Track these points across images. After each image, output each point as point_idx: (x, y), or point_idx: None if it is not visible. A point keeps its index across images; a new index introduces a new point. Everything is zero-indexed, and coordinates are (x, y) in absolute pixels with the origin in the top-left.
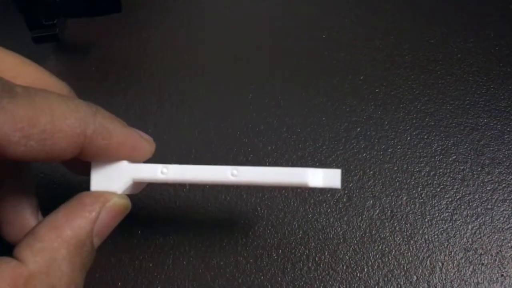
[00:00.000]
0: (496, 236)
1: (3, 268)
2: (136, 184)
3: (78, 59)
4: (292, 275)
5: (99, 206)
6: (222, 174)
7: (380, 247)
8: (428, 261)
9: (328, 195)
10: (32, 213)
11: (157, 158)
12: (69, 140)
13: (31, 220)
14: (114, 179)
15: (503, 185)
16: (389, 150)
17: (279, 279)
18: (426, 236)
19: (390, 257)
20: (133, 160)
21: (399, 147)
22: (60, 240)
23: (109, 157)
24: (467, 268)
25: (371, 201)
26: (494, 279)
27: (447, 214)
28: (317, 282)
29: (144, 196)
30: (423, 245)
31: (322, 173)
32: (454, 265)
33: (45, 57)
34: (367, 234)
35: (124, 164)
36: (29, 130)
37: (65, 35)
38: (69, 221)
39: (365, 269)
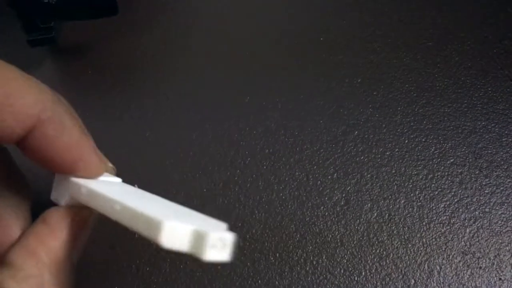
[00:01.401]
0: (494, 240)
1: None
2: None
3: (75, 62)
4: (290, 278)
5: (65, 225)
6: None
7: (378, 251)
8: (426, 265)
9: (326, 198)
10: (18, 227)
11: (155, 161)
12: (19, 120)
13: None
14: (64, 191)
15: (501, 188)
16: (387, 153)
17: (277, 282)
18: (424, 240)
19: (388, 261)
20: (77, 173)
21: (396, 150)
22: (40, 265)
23: (52, 155)
24: (465, 271)
25: (369, 204)
26: (492, 282)
27: (445, 217)
28: (315, 286)
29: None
30: (421, 248)
31: (190, 233)
32: (452, 268)
33: (42, 60)
34: (365, 238)
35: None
36: None
37: (61, 38)
38: (43, 245)
39: (363, 273)
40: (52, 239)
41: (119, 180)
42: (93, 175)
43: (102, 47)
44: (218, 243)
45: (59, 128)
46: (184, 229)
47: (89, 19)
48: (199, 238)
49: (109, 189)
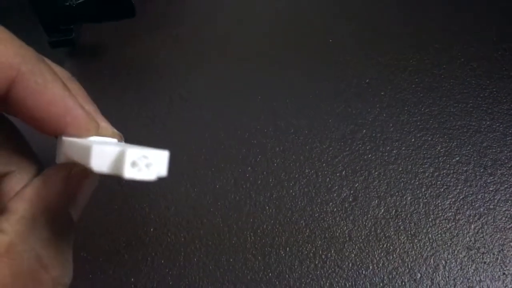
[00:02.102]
0: (498, 236)
1: None
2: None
3: (92, 62)
4: (300, 272)
5: (60, 177)
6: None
7: (385, 246)
8: (431, 259)
9: (334, 195)
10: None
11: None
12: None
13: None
14: (60, 151)
15: (505, 185)
16: (394, 151)
17: (287, 276)
18: (430, 235)
19: (394, 255)
20: (66, 130)
21: (403, 148)
22: (33, 209)
23: (36, 110)
24: (469, 266)
25: (376, 201)
26: (496, 277)
27: (450, 213)
28: (324, 279)
29: (156, 194)
30: (427, 243)
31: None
32: (457, 263)
33: (61, 61)
34: (372, 233)
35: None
36: None
37: (80, 39)
38: (38, 193)
39: (370, 267)
40: (46, 188)
41: (114, 140)
42: (82, 131)
43: (118, 48)
44: (140, 162)
45: (41, 81)
46: (111, 152)
47: (107, 21)
48: (121, 157)
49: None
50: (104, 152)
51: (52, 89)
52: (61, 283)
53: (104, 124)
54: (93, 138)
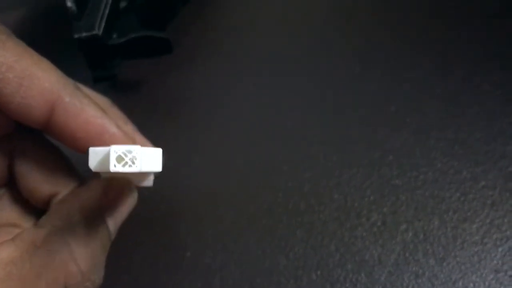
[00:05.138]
0: None
1: (24, 233)
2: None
3: (131, 95)
4: None
5: (99, 185)
6: None
7: (414, 269)
8: (460, 282)
9: (364, 219)
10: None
11: (204, 187)
12: (43, 93)
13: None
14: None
15: None
16: (421, 176)
17: None
18: (458, 259)
19: (424, 279)
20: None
21: (430, 173)
22: (73, 209)
23: (76, 130)
24: None
25: (405, 225)
26: None
27: (477, 237)
28: None
29: (192, 219)
30: (455, 267)
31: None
32: (485, 286)
33: (103, 94)
34: (401, 257)
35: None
36: (5, 73)
37: (119, 73)
38: (77, 196)
39: None
40: (84, 191)
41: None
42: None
43: (155, 82)
44: (126, 157)
45: (79, 104)
46: (101, 151)
47: (147, 58)
48: (107, 154)
49: None
50: (96, 152)
51: (89, 110)
52: (90, 279)
53: (140, 140)
54: None
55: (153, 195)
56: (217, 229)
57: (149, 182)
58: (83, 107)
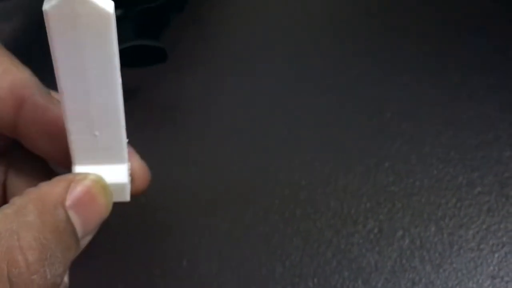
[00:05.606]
0: None
1: None
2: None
3: (125, 103)
4: None
5: (67, 180)
6: None
7: (410, 276)
8: None
9: (360, 226)
10: None
11: (200, 194)
12: (13, 87)
13: None
14: None
15: None
16: (417, 183)
17: None
18: (455, 265)
19: (420, 286)
20: None
21: (426, 180)
22: (27, 199)
23: (47, 127)
24: None
25: (401, 232)
26: None
27: (474, 243)
28: None
29: (189, 228)
30: (452, 273)
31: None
32: None
33: None
34: (398, 264)
35: None
36: None
37: None
38: (35, 190)
39: None
40: (45, 185)
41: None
42: None
43: (150, 90)
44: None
45: (49, 101)
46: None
47: (142, 67)
48: None
49: None
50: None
51: (58, 108)
52: (39, 271)
53: None
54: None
55: (149, 203)
56: (213, 237)
57: (125, 196)
58: (52, 104)
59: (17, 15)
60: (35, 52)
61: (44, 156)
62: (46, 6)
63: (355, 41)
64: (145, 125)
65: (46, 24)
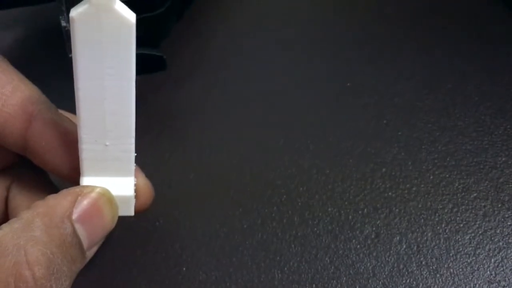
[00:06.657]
0: None
1: None
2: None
3: None
4: None
5: (75, 194)
6: None
7: (408, 281)
8: None
9: (357, 232)
10: None
11: (198, 201)
12: (23, 103)
13: None
14: None
15: None
16: (413, 189)
17: None
18: (451, 270)
19: None
20: None
21: (422, 186)
22: (34, 214)
23: (57, 142)
24: None
25: (398, 237)
26: None
27: (470, 248)
28: None
29: (187, 236)
30: (449, 278)
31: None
32: None
33: None
34: (395, 269)
35: None
36: None
37: None
38: (42, 203)
39: None
40: (52, 199)
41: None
42: None
43: (149, 98)
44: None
45: (57, 116)
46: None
47: (141, 75)
48: None
49: None
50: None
51: (65, 122)
52: (45, 285)
53: None
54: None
55: (149, 210)
56: (211, 245)
57: (129, 210)
58: (61, 120)
59: (19, 25)
60: (36, 62)
61: (52, 171)
62: (73, 13)
63: (352, 48)
64: (144, 133)
65: (71, 30)
